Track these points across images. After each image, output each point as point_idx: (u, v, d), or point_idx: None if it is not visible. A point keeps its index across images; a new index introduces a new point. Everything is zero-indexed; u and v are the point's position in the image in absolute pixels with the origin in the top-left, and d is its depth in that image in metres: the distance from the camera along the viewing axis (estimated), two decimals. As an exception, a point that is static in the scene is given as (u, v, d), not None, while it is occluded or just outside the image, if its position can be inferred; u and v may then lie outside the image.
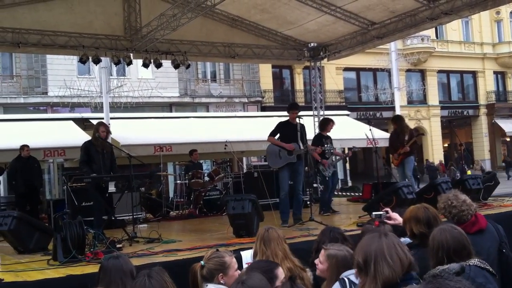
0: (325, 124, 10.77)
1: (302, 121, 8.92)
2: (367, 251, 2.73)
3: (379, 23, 12.43)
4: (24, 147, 11.76)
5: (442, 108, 35.46)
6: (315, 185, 12.58)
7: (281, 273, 3.32)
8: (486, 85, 37.43)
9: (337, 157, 11.00)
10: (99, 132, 8.68)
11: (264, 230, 4.14)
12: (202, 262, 3.39)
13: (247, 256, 5.70)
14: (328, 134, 10.75)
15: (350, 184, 28.30)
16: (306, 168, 9.06)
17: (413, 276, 2.73)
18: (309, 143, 9.49)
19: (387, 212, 4.38)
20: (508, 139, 38.88)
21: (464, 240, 3.19)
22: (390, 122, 30.55)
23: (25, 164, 11.69)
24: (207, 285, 3.33)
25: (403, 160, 10.73)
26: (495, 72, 38.12)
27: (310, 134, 10.83)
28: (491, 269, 3.22)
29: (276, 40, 13.95)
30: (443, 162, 31.81)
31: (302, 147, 8.92)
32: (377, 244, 2.73)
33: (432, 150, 34.57)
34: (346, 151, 13.44)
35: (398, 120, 11.31)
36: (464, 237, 3.24)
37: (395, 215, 4.35)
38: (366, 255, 2.72)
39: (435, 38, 35.26)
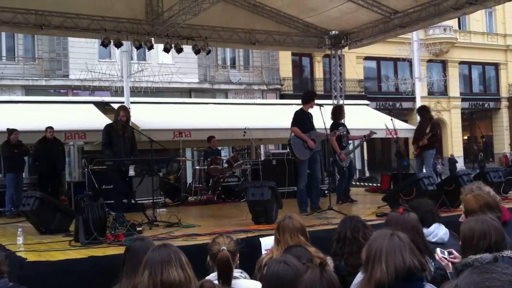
0: (339, 111, 10.75)
1: (323, 110, 8.93)
2: (370, 250, 2.71)
3: (402, 11, 12.28)
4: (48, 128, 11.89)
5: (463, 100, 35.07)
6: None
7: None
8: (508, 78, 36.87)
9: (356, 142, 10.93)
10: (120, 116, 8.76)
11: (281, 218, 4.14)
12: (225, 248, 3.40)
13: (266, 242, 5.74)
14: (343, 121, 10.67)
15: (367, 174, 28.21)
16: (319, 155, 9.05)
17: (421, 277, 2.67)
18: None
19: (450, 253, 4.17)
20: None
21: (504, 231, 3.15)
22: (409, 113, 30.59)
23: (49, 146, 11.81)
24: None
25: (421, 153, 10.63)
26: (517, 65, 37.57)
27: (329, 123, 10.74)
28: None
29: (297, 27, 13.85)
30: (507, 154, 30.71)
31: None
32: (379, 245, 2.69)
33: (451, 142, 34.23)
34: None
35: (421, 110, 11.23)
36: (502, 228, 3.19)
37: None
38: (368, 253, 2.71)
39: (458, 29, 34.77)
